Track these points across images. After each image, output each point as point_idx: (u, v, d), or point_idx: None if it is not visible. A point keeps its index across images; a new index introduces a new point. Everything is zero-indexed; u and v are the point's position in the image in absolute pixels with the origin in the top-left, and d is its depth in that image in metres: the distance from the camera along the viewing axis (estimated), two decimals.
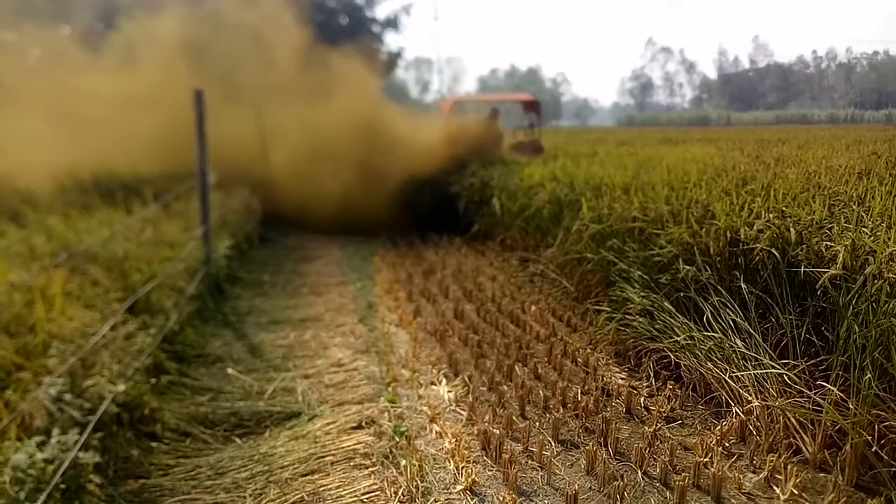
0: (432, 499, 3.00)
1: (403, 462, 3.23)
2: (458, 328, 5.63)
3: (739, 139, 18.55)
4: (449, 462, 3.41)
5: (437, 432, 3.73)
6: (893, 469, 3.12)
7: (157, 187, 6.82)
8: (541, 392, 4.33)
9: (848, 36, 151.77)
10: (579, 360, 4.90)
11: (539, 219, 6.67)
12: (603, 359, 4.91)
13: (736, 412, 3.82)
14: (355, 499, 2.80)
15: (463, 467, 3.29)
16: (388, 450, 3.31)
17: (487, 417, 3.94)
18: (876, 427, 3.17)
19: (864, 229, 3.76)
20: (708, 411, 4.09)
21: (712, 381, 4.08)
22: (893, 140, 15.12)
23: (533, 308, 6.18)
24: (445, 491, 3.16)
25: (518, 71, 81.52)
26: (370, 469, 3.09)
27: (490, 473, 3.38)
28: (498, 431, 3.69)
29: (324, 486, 2.89)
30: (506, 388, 4.41)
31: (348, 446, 3.24)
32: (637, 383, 4.51)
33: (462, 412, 4.04)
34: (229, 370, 4.16)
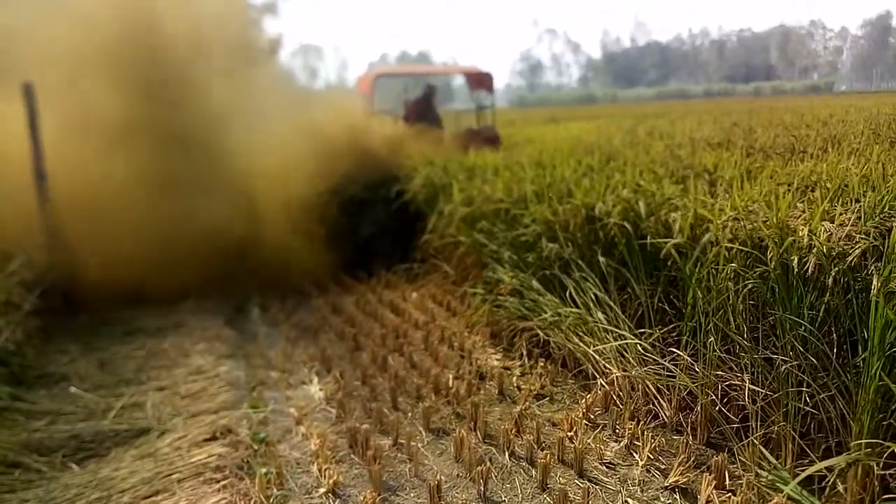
0: None
1: (262, 471, 3.07)
2: (335, 322, 5.48)
3: (620, 115, 19.31)
4: (313, 465, 3.28)
5: (303, 434, 3.60)
6: (736, 425, 3.28)
7: None
8: (414, 381, 4.27)
9: (719, 13, 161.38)
10: (455, 344, 4.87)
11: (415, 203, 6.60)
12: (479, 342, 4.92)
13: (601, 384, 3.91)
14: None
15: (326, 469, 3.17)
16: (244, 460, 3.15)
17: (357, 413, 3.84)
18: (720, 387, 3.32)
19: (709, 198, 3.91)
20: (576, 385, 4.18)
21: (579, 355, 4.16)
22: (755, 111, 16.18)
23: (414, 295, 6.12)
24: (307, 496, 3.04)
25: (409, 56, 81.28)
26: (221, 483, 2.91)
27: (356, 472, 3.28)
28: (367, 427, 3.60)
29: None
30: (379, 380, 4.32)
31: (199, 460, 3.05)
32: (510, 363, 4.55)
33: (332, 410, 3.92)
34: (72, 389, 3.83)
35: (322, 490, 3.07)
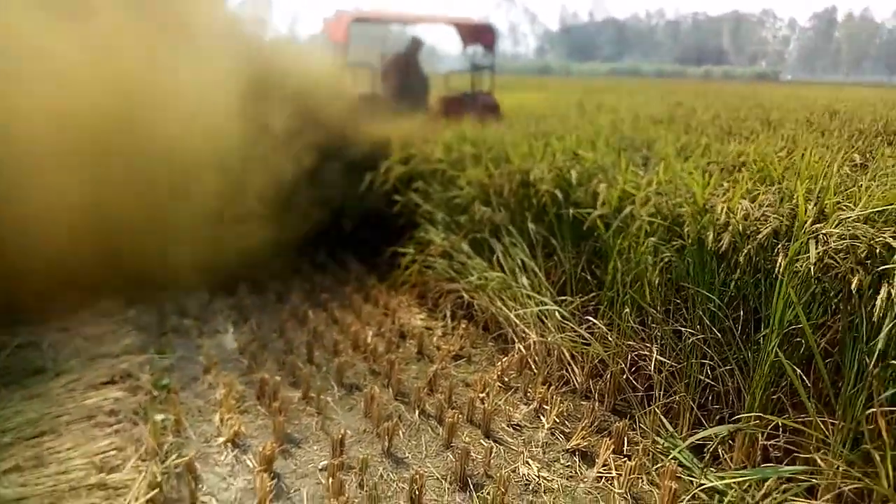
0: (179, 453, 2.77)
1: (158, 417, 2.96)
2: (259, 277, 5.32)
3: (572, 88, 19.36)
4: (216, 414, 3.19)
5: (209, 383, 3.49)
6: (641, 394, 3.34)
7: None
8: (333, 336, 4.20)
9: None
10: (381, 302, 4.81)
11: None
12: (404, 301, 4.88)
13: (518, 348, 3.93)
14: (86, 461, 2.52)
15: (229, 419, 3.09)
16: (142, 405, 3.03)
17: (269, 365, 3.75)
18: (629, 357, 3.37)
19: (639, 172, 3.92)
20: (495, 348, 4.19)
21: (501, 319, 4.16)
22: (702, 93, 16.49)
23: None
24: (205, 444, 2.95)
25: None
26: (114, 427, 2.80)
27: (261, 423, 3.21)
28: (277, 379, 3.52)
29: (51, 448, 2.57)
30: (297, 334, 4.23)
31: (93, 403, 2.92)
32: (433, 323, 4.53)
33: (244, 361, 3.82)
34: None
35: (221, 439, 2.99)
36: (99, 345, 3.54)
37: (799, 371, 2.53)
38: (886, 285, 2.06)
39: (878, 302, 2.04)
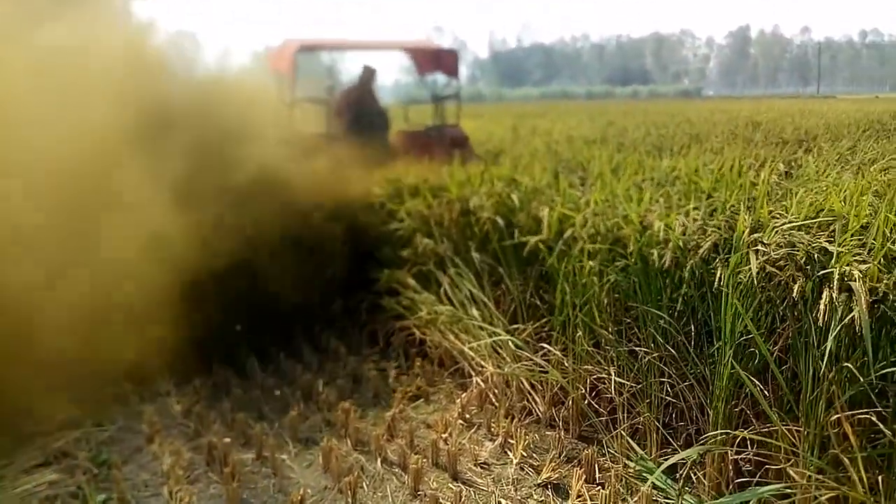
0: None
1: (99, 498, 2.75)
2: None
3: (505, 114, 19.69)
4: (164, 486, 2.99)
5: (153, 454, 3.28)
6: (605, 418, 3.31)
7: None
8: (283, 389, 4.04)
9: (599, 18, 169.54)
10: (330, 348, 4.66)
11: None
12: (354, 343, 4.74)
13: (476, 382, 3.85)
14: None
15: (178, 491, 2.90)
16: (80, 487, 2.81)
17: (217, 427, 3.56)
18: (588, 381, 3.34)
19: (577, 193, 3.94)
20: (453, 384, 4.10)
21: (455, 353, 4.09)
22: (630, 112, 17.00)
23: None
24: None
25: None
26: None
27: (214, 491, 3.03)
28: (227, 440, 3.34)
29: None
30: (245, 390, 4.05)
31: (26, 490, 2.69)
32: (387, 364, 4.41)
33: (190, 424, 3.61)
34: None
35: None
36: (29, 422, 3.28)
37: (757, 381, 2.53)
38: (828, 289, 2.09)
39: (821, 307, 2.06)
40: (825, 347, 2.12)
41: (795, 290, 2.18)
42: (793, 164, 4.80)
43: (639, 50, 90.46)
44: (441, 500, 2.87)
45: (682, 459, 2.61)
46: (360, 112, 6.54)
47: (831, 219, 2.58)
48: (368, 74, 6.85)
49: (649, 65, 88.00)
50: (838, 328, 2.06)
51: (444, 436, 3.45)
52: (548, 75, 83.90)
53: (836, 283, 2.08)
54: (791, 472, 2.34)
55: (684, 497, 2.62)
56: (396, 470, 3.22)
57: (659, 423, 3.02)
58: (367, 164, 5.21)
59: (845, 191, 2.90)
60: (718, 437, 2.66)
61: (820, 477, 2.24)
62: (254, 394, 4.00)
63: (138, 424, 3.56)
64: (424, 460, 3.21)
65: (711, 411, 2.76)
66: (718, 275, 2.47)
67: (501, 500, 2.97)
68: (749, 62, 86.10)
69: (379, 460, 3.27)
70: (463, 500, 2.90)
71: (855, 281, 2.01)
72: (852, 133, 7.60)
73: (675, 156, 5.48)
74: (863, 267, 2.06)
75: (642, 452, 3.08)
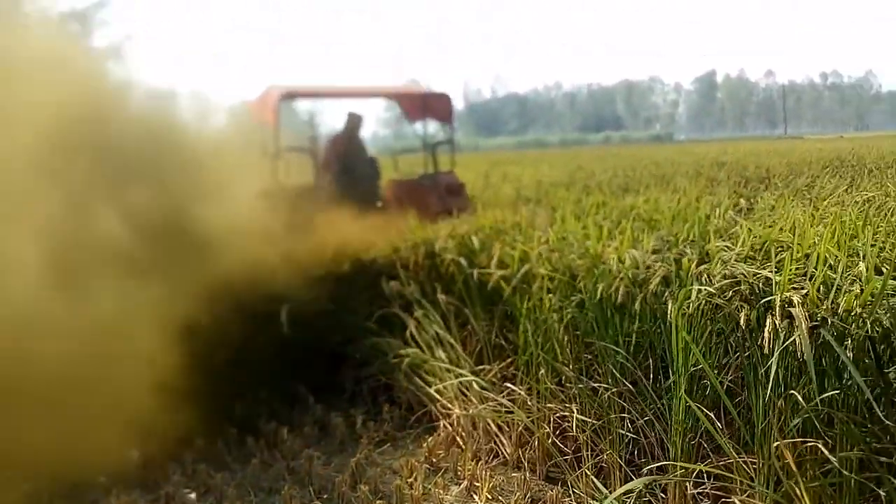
0: None
1: None
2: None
3: (480, 161, 20.00)
4: None
5: None
6: (569, 456, 3.28)
7: None
8: (247, 440, 3.96)
9: (569, 67, 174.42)
10: (298, 395, 4.58)
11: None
12: (323, 391, 4.67)
13: (443, 425, 3.82)
14: None
15: None
16: None
17: (176, 478, 3.47)
18: (551, 420, 3.32)
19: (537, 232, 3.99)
20: (420, 428, 4.05)
21: (423, 396, 4.05)
22: (601, 157, 17.37)
23: None
24: None
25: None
26: None
27: None
28: (187, 491, 3.26)
29: None
30: (207, 441, 3.96)
31: None
32: (354, 411, 4.35)
33: (148, 474, 3.52)
34: None
35: None
36: None
37: (711, 414, 2.54)
38: (770, 317, 2.12)
39: (765, 333, 2.09)
40: (771, 375, 2.14)
41: (742, 319, 2.21)
42: (752, 199, 4.92)
43: (610, 97, 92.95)
44: None
45: (629, 490, 2.59)
46: (349, 161, 6.18)
47: (778, 250, 2.65)
48: (355, 121, 6.43)
49: (621, 111, 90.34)
50: (778, 353, 2.09)
51: (409, 481, 3.39)
52: (523, 124, 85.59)
53: (777, 310, 2.12)
54: None
55: None
56: None
57: (622, 460, 3.01)
58: (358, 217, 4.95)
59: (792, 223, 2.98)
60: (678, 471, 2.65)
61: None
62: (217, 445, 3.92)
63: (96, 477, 3.46)
64: None
65: (670, 446, 2.76)
66: (669, 308, 2.50)
67: None
68: (717, 106, 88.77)
69: None
70: None
71: (795, 307, 2.05)
72: (813, 170, 7.83)
73: (637, 195, 5.59)
74: (802, 293, 2.10)
75: (606, 491, 3.04)
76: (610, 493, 3.04)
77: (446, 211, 5.00)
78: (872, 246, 2.44)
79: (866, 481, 2.06)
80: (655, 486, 2.86)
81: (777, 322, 2.08)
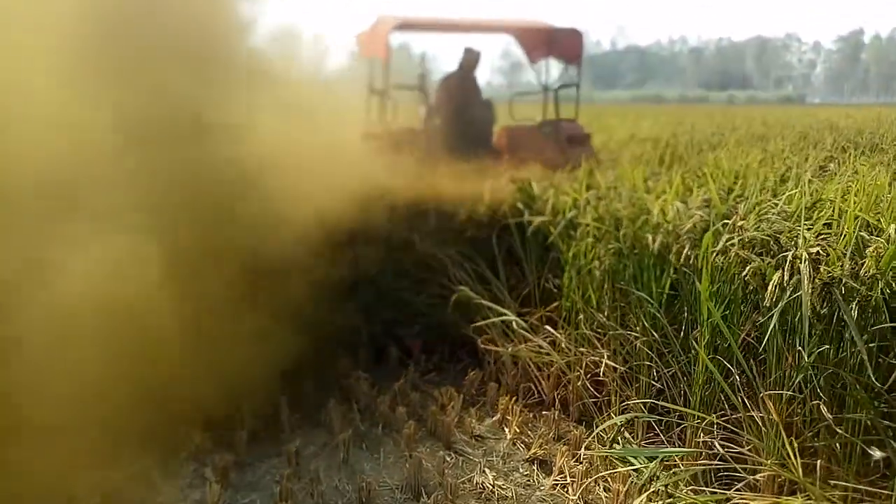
0: None
1: None
2: None
3: (583, 114, 19.51)
4: None
5: None
6: (599, 400, 3.35)
7: None
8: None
9: (699, 21, 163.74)
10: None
11: None
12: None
13: (487, 361, 3.97)
14: None
15: None
16: None
17: None
18: (583, 364, 3.40)
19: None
20: (465, 362, 4.20)
21: (469, 332, 4.19)
22: (712, 115, 16.48)
23: None
24: None
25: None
26: None
27: None
28: None
29: None
30: None
31: None
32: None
33: None
34: None
35: None
36: None
37: (729, 366, 2.54)
38: (779, 271, 2.08)
39: (770, 288, 2.06)
40: (768, 331, 2.12)
41: (748, 273, 2.18)
42: (844, 164, 4.63)
43: (739, 54, 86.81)
44: (425, 464, 3.02)
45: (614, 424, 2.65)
46: (462, 103, 5.67)
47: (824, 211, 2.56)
48: (472, 58, 5.81)
49: (749, 70, 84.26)
50: (779, 308, 2.06)
51: (445, 408, 3.59)
52: (641, 78, 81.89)
53: (788, 265, 2.07)
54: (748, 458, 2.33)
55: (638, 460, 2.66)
56: (395, 435, 3.39)
57: (645, 408, 3.05)
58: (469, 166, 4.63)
59: (861, 186, 2.83)
60: (694, 420, 2.68)
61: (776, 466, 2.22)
62: None
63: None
64: (424, 429, 3.37)
65: (692, 397, 2.78)
66: (684, 254, 2.49)
67: (486, 469, 3.10)
68: (860, 68, 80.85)
69: (380, 425, 3.46)
70: (450, 465, 3.05)
71: (802, 263, 2.00)
72: None
73: (721, 151, 5.37)
74: (811, 250, 2.04)
75: (629, 436, 3.11)
76: (632, 438, 3.12)
77: (568, 163, 4.56)
78: None
79: (864, 445, 2.02)
80: (674, 435, 2.90)
81: (786, 277, 2.05)
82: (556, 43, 6.07)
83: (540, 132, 5.83)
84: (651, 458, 2.51)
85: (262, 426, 3.39)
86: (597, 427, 3.26)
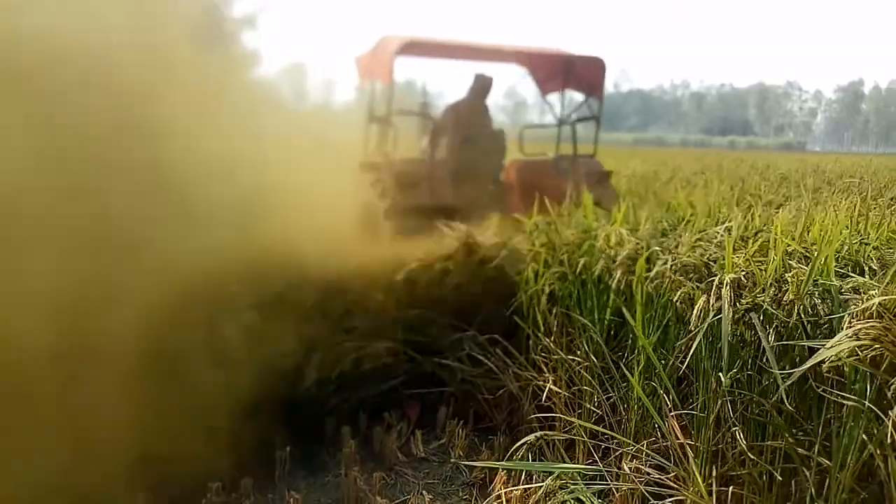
0: None
1: None
2: None
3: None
4: None
5: None
6: (545, 425, 3.31)
7: None
8: None
9: (701, 67, 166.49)
10: None
11: None
12: None
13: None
14: None
15: None
16: None
17: None
18: (530, 389, 3.37)
19: None
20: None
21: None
22: (699, 157, 16.64)
23: None
24: None
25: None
26: None
27: None
28: None
29: None
30: None
31: None
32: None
33: None
34: None
35: None
36: None
37: (664, 394, 2.50)
38: (705, 296, 2.07)
39: (695, 312, 2.05)
40: (690, 352, 2.10)
41: (677, 296, 2.17)
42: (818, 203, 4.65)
43: (741, 100, 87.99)
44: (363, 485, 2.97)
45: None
46: (470, 132, 5.23)
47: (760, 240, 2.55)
48: (484, 84, 5.38)
49: (751, 116, 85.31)
50: (702, 332, 2.04)
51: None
52: (643, 121, 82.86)
53: (714, 289, 2.06)
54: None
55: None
56: (339, 454, 3.33)
57: (585, 434, 3.01)
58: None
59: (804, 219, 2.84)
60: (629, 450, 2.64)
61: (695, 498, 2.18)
62: None
63: None
64: (366, 450, 3.34)
65: (629, 423, 2.75)
66: (615, 279, 2.48)
67: (423, 491, 3.04)
68: (860, 118, 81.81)
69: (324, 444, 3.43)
70: (387, 487, 3.00)
71: (723, 287, 1.99)
72: None
73: (693, 189, 5.40)
74: (732, 276, 2.03)
75: (569, 461, 3.07)
76: (575, 462, 3.06)
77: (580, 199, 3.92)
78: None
79: (776, 473, 1.98)
80: (613, 463, 2.86)
81: (712, 301, 2.03)
82: (575, 72, 5.53)
83: (555, 168, 5.36)
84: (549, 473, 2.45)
85: None
86: (540, 452, 3.23)
